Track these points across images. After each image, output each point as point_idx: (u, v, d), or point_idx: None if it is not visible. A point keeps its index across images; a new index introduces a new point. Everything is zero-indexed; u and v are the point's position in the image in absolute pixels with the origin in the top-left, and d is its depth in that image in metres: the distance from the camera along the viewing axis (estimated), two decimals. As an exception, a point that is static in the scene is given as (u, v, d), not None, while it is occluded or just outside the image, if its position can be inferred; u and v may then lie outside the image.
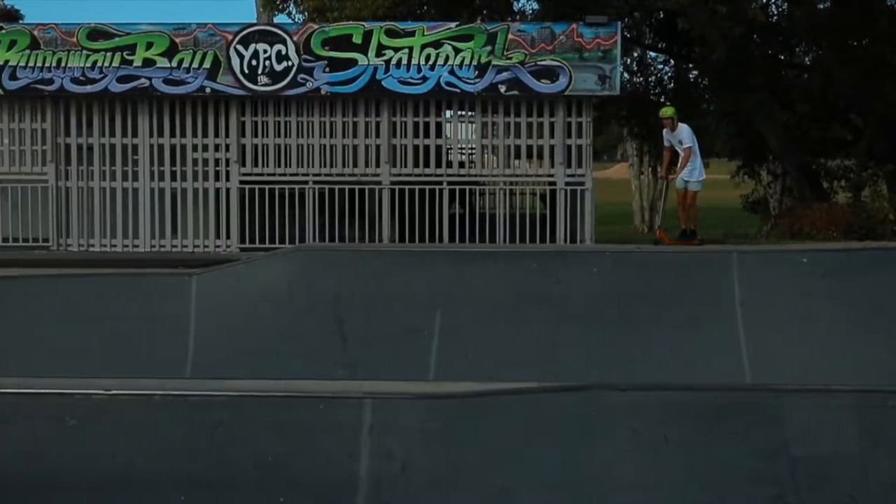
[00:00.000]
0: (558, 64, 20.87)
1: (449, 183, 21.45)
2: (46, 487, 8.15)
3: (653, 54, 34.02)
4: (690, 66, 32.75)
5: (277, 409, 8.18)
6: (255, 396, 8.32)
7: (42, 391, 8.26)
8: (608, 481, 8.01)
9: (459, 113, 22.44)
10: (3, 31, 21.68)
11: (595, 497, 7.96)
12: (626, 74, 30.93)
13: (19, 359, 14.34)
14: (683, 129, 19.06)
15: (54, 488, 8.13)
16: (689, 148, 18.88)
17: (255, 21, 33.11)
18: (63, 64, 21.15)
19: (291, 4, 33.89)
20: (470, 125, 22.47)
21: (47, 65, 21.18)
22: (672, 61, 33.67)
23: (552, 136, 21.36)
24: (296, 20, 32.76)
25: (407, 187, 21.25)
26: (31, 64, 21.23)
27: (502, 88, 20.97)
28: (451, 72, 20.82)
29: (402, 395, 8.17)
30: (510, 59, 20.88)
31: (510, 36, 20.97)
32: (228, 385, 8.58)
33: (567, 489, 7.93)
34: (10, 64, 21.23)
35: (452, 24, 21.47)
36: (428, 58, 20.79)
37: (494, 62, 20.86)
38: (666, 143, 19.41)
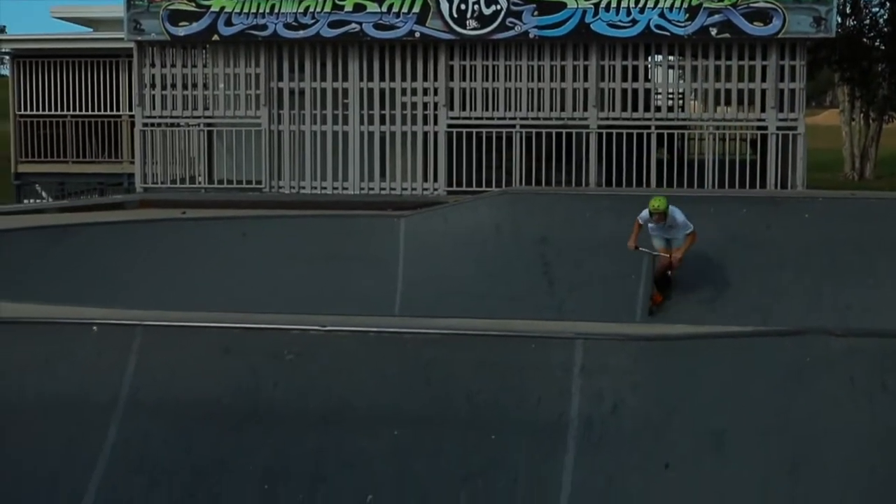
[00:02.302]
0: (772, 6, 20.39)
1: (657, 127, 21.19)
2: (263, 420, 8.40)
3: (868, -5, 33.01)
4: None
5: (490, 347, 8.27)
6: (469, 335, 8.42)
7: (262, 326, 8.50)
8: (822, 427, 7.89)
9: (669, 56, 22.07)
10: (219, -22, 22.15)
11: (808, 442, 7.85)
12: (838, 17, 30.04)
13: (237, 295, 14.80)
14: (679, 215, 15.77)
15: (271, 421, 8.37)
16: (694, 233, 15.81)
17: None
18: (276, 10, 21.51)
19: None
20: (679, 69, 22.13)
21: (261, 11, 21.56)
22: (888, 3, 32.59)
23: (764, 79, 20.90)
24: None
25: (614, 131, 21.06)
26: (245, 10, 21.66)
27: (713, 31, 20.59)
28: (661, 15, 20.51)
29: (614, 336, 8.18)
30: (722, 1, 20.48)
31: (722, -23, 20.59)
32: (442, 323, 8.70)
33: (780, 434, 7.84)
34: (225, 10, 21.69)
35: (663, -34, 21.15)
36: (638, 0, 20.54)
37: (706, 4, 20.48)
38: (641, 221, 15.95)
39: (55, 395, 8.58)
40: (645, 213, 15.83)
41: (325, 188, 21.87)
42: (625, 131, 21.02)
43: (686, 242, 15.86)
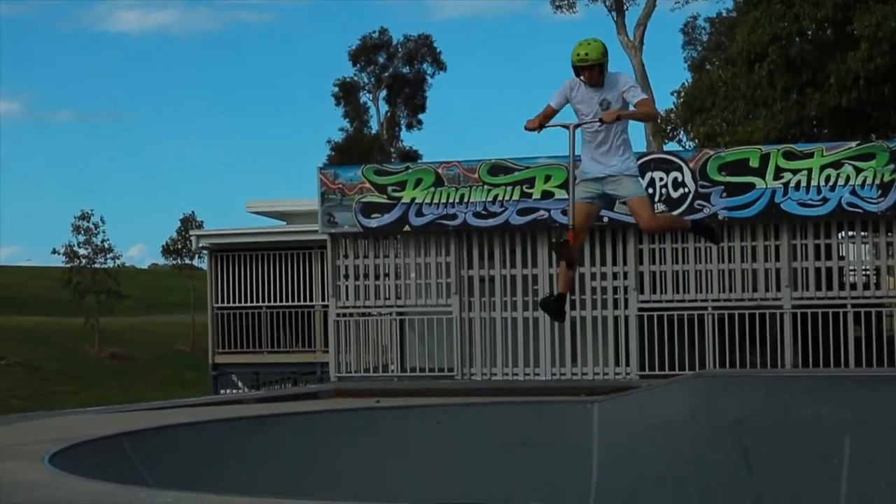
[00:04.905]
0: (969, 177, 20.05)
1: (853, 306, 20.79)
2: None
3: None
4: None
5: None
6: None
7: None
8: None
9: (861, 233, 21.70)
10: (410, 171, 22.70)
11: None
12: None
13: (433, 484, 14.78)
14: (623, 71, 10.72)
15: None
16: (648, 102, 10.55)
17: (644, 150, 33.48)
18: (466, 199, 21.90)
19: (681, 132, 34.15)
20: (874, 245, 21.73)
21: (451, 201, 21.97)
22: None
23: (963, 253, 20.45)
24: (685, 147, 32.95)
25: (809, 311, 20.74)
26: (435, 200, 22.09)
27: (907, 206, 20.29)
28: (853, 192, 20.27)
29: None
30: (915, 174, 20.20)
31: (912, 152, 20.35)
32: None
33: None
34: (416, 201, 22.16)
35: (853, 144, 20.96)
36: (828, 178, 20.34)
37: (898, 180, 20.24)
38: (556, 100, 10.43)
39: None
40: (560, 89, 10.48)
41: (516, 374, 21.93)
42: (820, 310, 20.68)
43: (641, 107, 10.27)
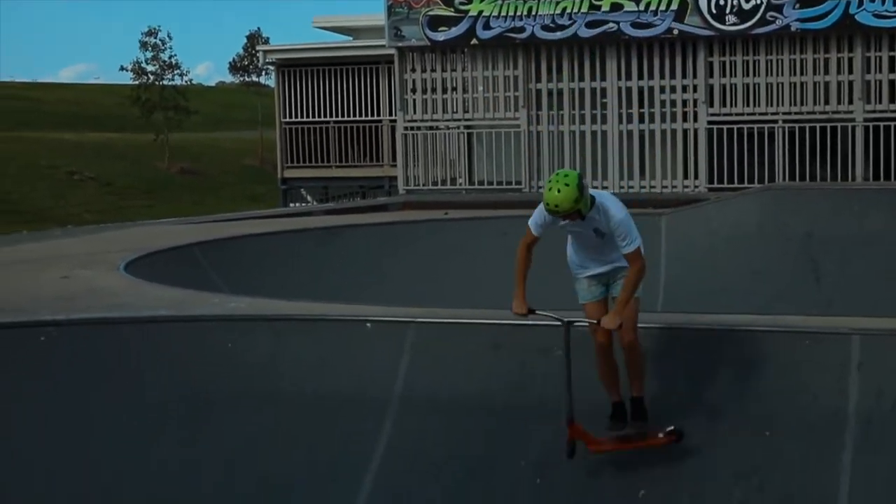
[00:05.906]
0: None
1: (927, 119, 20.51)
2: (533, 414, 8.47)
3: None
4: None
5: (761, 343, 8.15)
6: (739, 330, 8.32)
7: (530, 322, 8.55)
8: None
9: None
10: (478, -17, 22.44)
11: None
12: None
13: (498, 293, 14.92)
14: (614, 211, 8.25)
15: (540, 415, 8.43)
16: (637, 250, 8.24)
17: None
18: (533, 12, 21.64)
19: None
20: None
21: (518, 13, 21.73)
22: None
23: None
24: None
25: (881, 124, 20.44)
26: (503, 13, 21.86)
27: (983, 16, 19.82)
28: (930, 2, 19.84)
29: (893, 332, 7.95)
30: None
31: None
32: (712, 319, 8.61)
33: None
34: (483, 14, 21.93)
35: (923, -47, 20.44)
36: (905, -12, 19.90)
37: (977, -12, 19.73)
38: (537, 228, 8.53)
39: (332, 391, 8.82)
40: (539, 210, 8.43)
41: (584, 187, 21.84)
42: (892, 123, 20.38)
43: (628, 279, 8.36)
